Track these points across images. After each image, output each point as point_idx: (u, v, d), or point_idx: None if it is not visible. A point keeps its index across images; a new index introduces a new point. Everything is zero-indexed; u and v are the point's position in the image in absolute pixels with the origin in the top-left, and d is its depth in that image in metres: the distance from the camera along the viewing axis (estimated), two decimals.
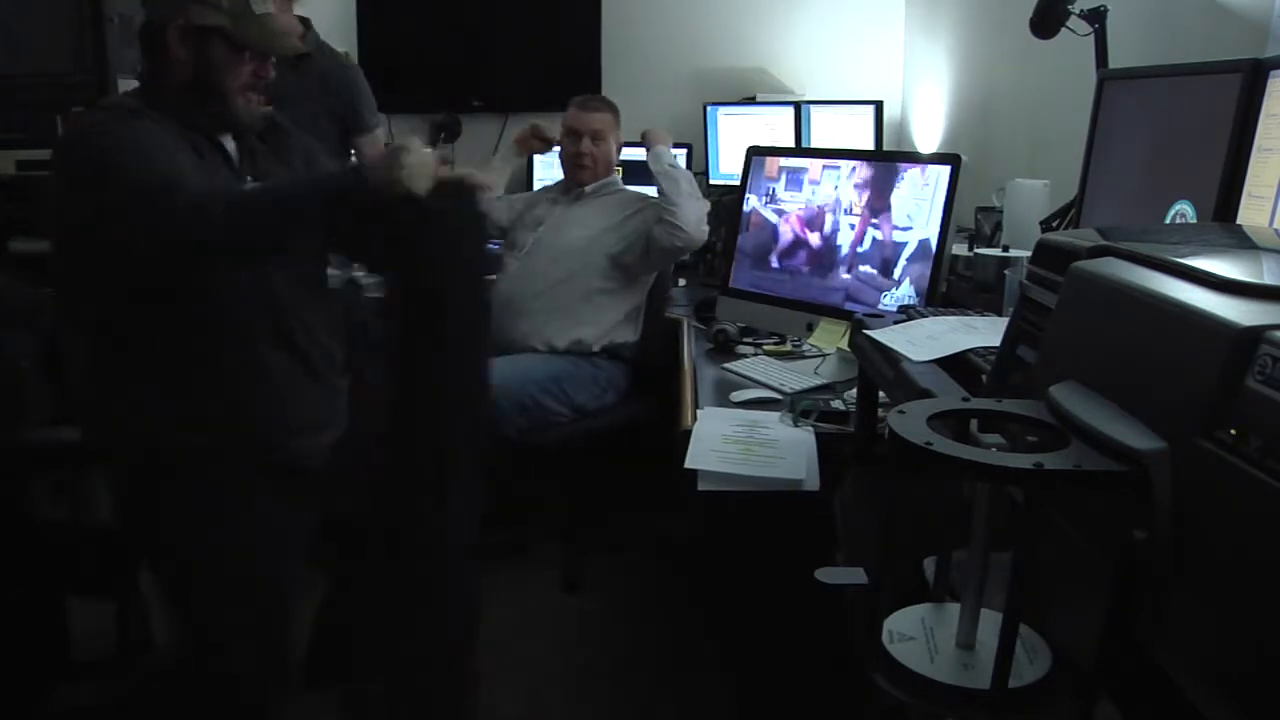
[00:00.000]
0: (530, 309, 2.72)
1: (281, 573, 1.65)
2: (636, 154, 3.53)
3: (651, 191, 3.63)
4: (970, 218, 2.65)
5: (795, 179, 2.30)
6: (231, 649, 1.63)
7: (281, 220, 1.51)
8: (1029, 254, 1.13)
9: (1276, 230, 1.30)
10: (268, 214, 1.48)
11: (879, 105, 3.51)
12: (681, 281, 3.33)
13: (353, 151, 2.81)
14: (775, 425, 1.86)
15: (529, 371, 2.61)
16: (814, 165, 2.27)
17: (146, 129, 1.48)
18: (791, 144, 3.39)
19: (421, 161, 1.51)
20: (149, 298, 1.52)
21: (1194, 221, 1.52)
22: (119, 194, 1.42)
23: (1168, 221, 1.58)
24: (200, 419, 1.57)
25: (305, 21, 2.57)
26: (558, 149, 2.88)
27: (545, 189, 3.05)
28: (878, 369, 1.40)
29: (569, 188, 2.89)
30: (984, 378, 1.19)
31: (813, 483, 1.72)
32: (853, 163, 2.20)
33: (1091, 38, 1.98)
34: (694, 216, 2.69)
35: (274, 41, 1.58)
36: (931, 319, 1.48)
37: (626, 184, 3.48)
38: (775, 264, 2.32)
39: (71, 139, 1.53)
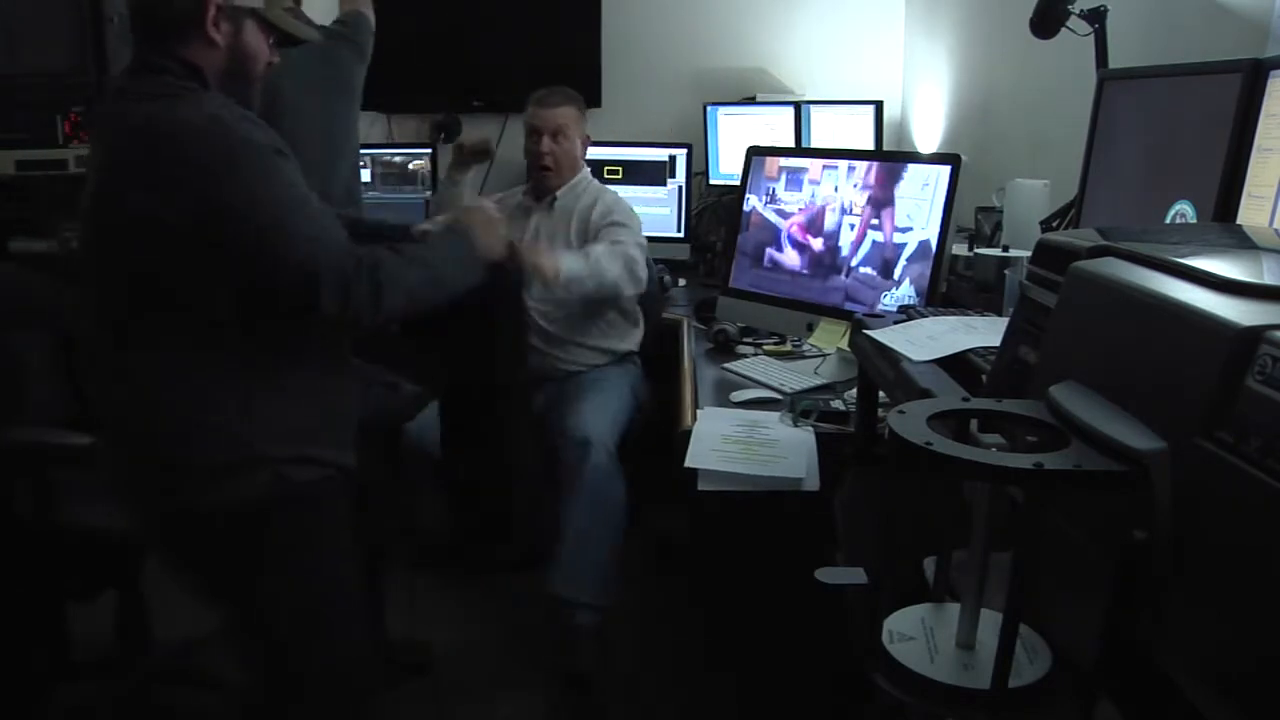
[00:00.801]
0: (574, 328, 2.65)
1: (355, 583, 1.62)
2: (636, 154, 3.56)
3: (646, 191, 3.63)
4: (970, 218, 2.65)
5: (795, 179, 2.30)
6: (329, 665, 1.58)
7: (435, 295, 1.50)
8: (1029, 254, 1.13)
9: (1276, 230, 1.30)
10: (425, 287, 1.47)
11: (879, 105, 3.50)
12: (681, 281, 3.33)
13: None
14: (775, 425, 1.86)
15: (617, 396, 2.59)
16: (814, 165, 2.27)
17: (280, 162, 1.39)
18: (791, 144, 3.39)
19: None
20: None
21: (1194, 221, 1.52)
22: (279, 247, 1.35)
23: (1168, 221, 1.58)
24: (311, 434, 1.48)
25: None
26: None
27: (509, 195, 2.85)
28: (878, 369, 1.40)
29: (540, 193, 2.75)
30: (984, 378, 1.19)
31: (813, 483, 1.72)
32: (852, 163, 2.20)
33: (1091, 38, 1.98)
34: (618, 276, 2.49)
35: (297, 27, 1.57)
36: (931, 319, 1.48)
37: (626, 184, 3.48)
38: (775, 264, 2.32)
39: (207, 151, 1.35)
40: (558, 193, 2.71)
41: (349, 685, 1.60)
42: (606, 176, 3.49)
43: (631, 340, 2.78)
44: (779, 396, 2.02)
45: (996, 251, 2.21)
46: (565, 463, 2.41)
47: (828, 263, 2.20)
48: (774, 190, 2.34)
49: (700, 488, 1.75)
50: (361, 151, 3.36)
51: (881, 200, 2.11)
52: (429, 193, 3.54)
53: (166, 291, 1.40)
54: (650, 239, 3.04)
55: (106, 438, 1.53)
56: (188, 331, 1.41)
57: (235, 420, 1.42)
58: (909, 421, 0.81)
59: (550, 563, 2.42)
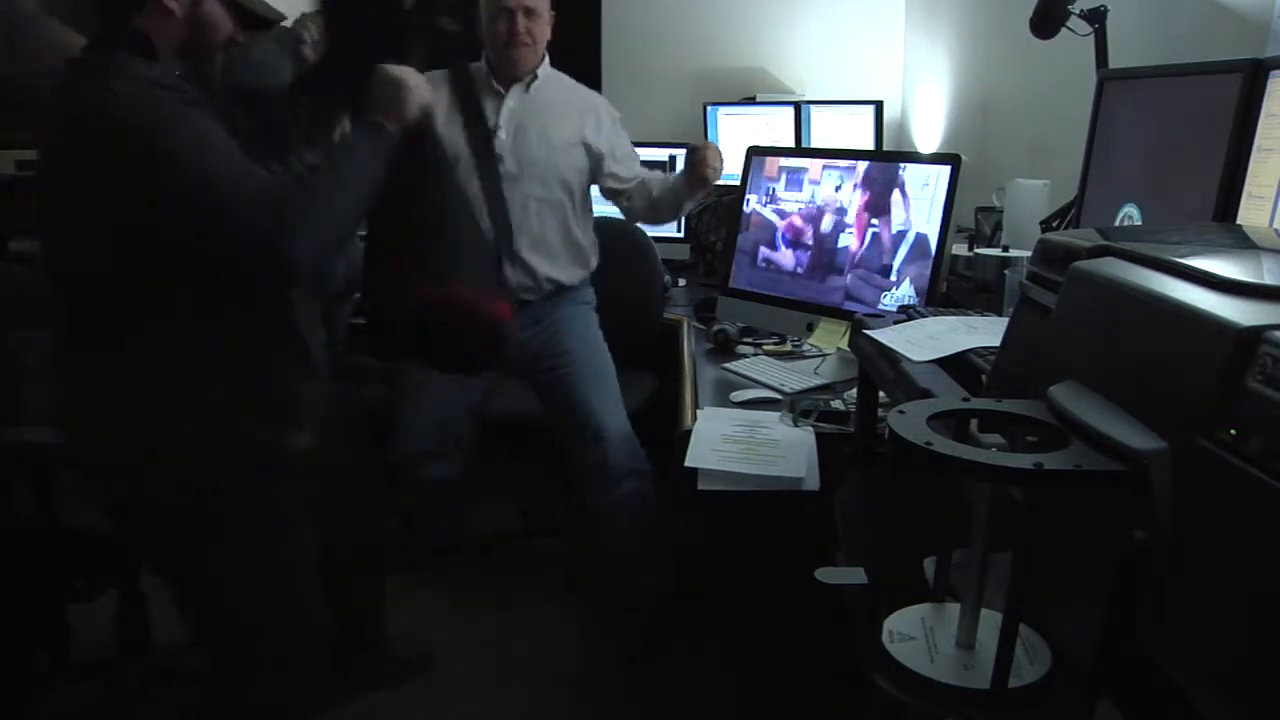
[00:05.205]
0: (531, 243, 2.41)
1: (308, 576, 1.60)
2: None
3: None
4: (970, 218, 2.65)
5: (795, 179, 2.30)
6: (271, 659, 1.58)
7: (352, 206, 1.45)
8: (1029, 254, 1.13)
9: (1276, 230, 1.30)
10: (337, 202, 1.42)
11: (879, 105, 3.51)
12: (681, 281, 3.33)
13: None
14: (775, 425, 1.86)
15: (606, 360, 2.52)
16: (814, 165, 2.27)
17: (193, 111, 1.38)
18: (791, 144, 3.39)
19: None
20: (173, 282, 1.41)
21: (1140, 224, 1.56)
22: (184, 192, 1.34)
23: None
24: (240, 420, 1.47)
25: None
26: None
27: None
28: (878, 369, 1.40)
29: (511, 76, 2.41)
30: (984, 378, 1.19)
31: (813, 482, 1.72)
32: (852, 162, 2.20)
33: (1091, 38, 1.98)
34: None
35: (261, 4, 1.55)
36: (931, 319, 1.48)
37: None
38: (770, 263, 2.32)
39: (113, 121, 1.35)
40: (538, 71, 2.43)
41: (299, 676, 1.59)
42: None
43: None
44: (779, 396, 2.02)
45: (996, 251, 2.21)
46: (587, 460, 2.40)
47: (827, 263, 2.20)
48: (774, 190, 2.34)
49: (700, 488, 1.75)
50: None
51: (881, 200, 2.11)
52: None
53: (88, 270, 1.41)
54: (650, 239, 3.05)
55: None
56: (100, 313, 1.42)
57: (150, 405, 1.42)
58: (909, 421, 0.81)
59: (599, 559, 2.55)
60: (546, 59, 2.46)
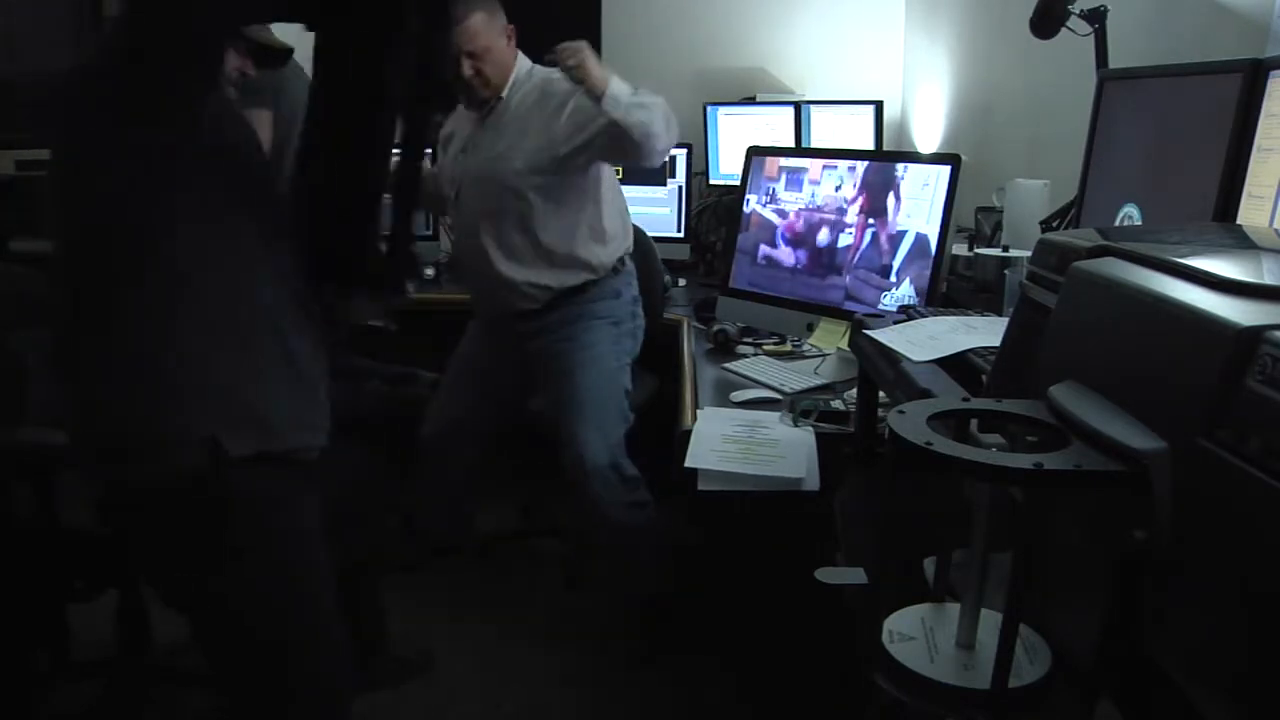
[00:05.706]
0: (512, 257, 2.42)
1: (324, 578, 1.50)
2: None
3: (646, 191, 3.55)
4: (970, 218, 2.65)
5: (795, 179, 2.30)
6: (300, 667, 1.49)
7: None
8: (1029, 254, 1.13)
9: (1276, 230, 1.30)
10: None
11: (879, 105, 3.51)
12: (681, 281, 3.33)
13: None
14: (775, 425, 1.86)
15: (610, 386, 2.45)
16: (814, 165, 2.28)
17: None
18: (791, 144, 3.39)
19: None
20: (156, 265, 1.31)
21: (1140, 224, 1.56)
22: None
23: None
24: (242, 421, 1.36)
25: None
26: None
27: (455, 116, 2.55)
28: (878, 369, 1.40)
29: (479, 104, 2.45)
30: (984, 378, 1.19)
31: (813, 482, 1.72)
32: (852, 162, 2.20)
33: (1091, 38, 1.98)
34: (668, 135, 2.37)
35: (269, 37, 1.58)
36: (931, 319, 1.48)
37: (626, 184, 3.46)
38: (770, 260, 2.32)
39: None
40: (503, 93, 2.43)
41: (324, 686, 1.52)
42: None
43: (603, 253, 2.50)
44: (779, 396, 2.02)
45: (996, 251, 2.21)
46: (572, 483, 2.40)
47: (827, 263, 2.21)
48: (774, 190, 2.34)
49: (700, 488, 1.75)
50: None
51: (880, 200, 2.11)
52: None
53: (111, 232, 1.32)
54: (650, 239, 3.05)
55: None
56: (112, 297, 1.33)
57: (163, 386, 1.32)
58: (909, 421, 0.81)
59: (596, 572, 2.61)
60: (522, 66, 2.47)
